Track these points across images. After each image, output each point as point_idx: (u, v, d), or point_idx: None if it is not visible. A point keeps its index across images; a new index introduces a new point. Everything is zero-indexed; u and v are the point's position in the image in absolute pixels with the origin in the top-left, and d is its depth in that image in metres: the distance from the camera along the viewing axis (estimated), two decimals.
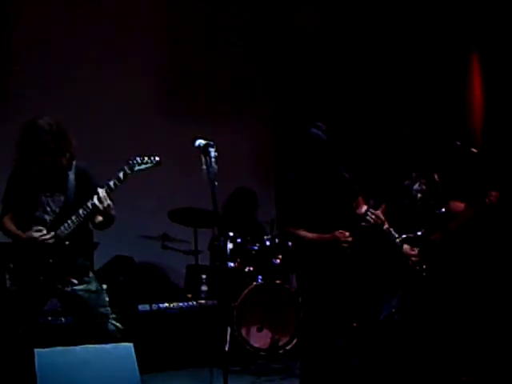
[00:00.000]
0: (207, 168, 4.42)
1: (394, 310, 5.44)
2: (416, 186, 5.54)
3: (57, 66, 7.75)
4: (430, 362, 5.30)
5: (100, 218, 4.83)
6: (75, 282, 4.81)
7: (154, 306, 6.89)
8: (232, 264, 7.02)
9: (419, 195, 5.53)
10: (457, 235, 5.58)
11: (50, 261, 4.75)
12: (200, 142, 4.50)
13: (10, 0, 7.73)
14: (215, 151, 4.44)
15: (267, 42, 8.61)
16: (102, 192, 4.67)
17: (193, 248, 7.34)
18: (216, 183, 4.39)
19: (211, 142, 4.48)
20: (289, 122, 8.43)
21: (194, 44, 8.33)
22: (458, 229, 5.53)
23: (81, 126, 7.18)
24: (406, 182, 5.58)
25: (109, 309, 4.95)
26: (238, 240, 7.08)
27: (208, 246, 7.51)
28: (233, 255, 7.03)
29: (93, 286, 4.89)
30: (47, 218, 4.81)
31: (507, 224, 6.36)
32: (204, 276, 7.22)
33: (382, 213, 5.50)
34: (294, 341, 6.72)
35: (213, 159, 4.42)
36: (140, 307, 6.85)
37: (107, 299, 5.02)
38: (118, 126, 7.84)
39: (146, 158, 4.80)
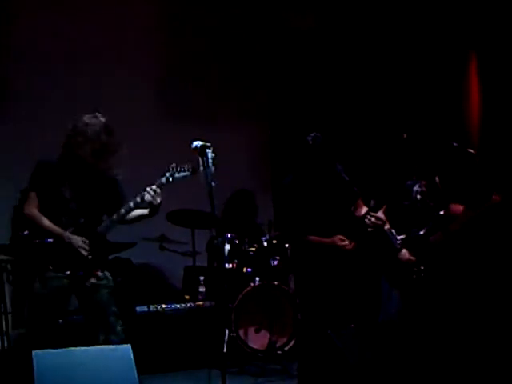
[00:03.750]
0: (204, 169, 4.45)
1: (393, 312, 5.44)
2: (416, 188, 5.55)
3: (56, 66, 7.76)
4: (430, 363, 5.31)
5: (144, 212, 5.01)
6: (100, 274, 4.87)
7: (152, 308, 6.89)
8: (230, 265, 7.02)
9: (419, 196, 5.53)
10: (457, 236, 5.58)
11: (90, 257, 4.83)
12: (197, 143, 4.53)
13: (11, 1, 7.74)
14: (212, 152, 4.46)
15: (265, 43, 8.62)
16: (155, 188, 4.85)
17: (190, 249, 7.35)
18: (213, 184, 4.41)
19: (208, 144, 4.51)
20: (287, 123, 8.45)
21: (192, 46, 8.35)
22: (458, 230, 5.52)
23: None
24: (408, 183, 5.58)
25: (117, 310, 4.97)
26: (236, 241, 7.08)
27: (206, 248, 7.51)
28: (230, 256, 7.03)
29: (111, 283, 4.93)
30: (80, 212, 4.86)
31: (507, 226, 6.36)
32: (202, 277, 7.22)
33: (383, 213, 5.50)
34: (292, 342, 6.72)
35: (210, 160, 4.45)
36: (138, 308, 6.85)
37: None
38: (117, 127, 7.82)
39: (185, 167, 4.89)
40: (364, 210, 5.47)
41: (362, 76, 7.88)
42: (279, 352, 6.74)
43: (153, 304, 6.93)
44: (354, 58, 7.95)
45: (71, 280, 4.81)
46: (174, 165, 4.90)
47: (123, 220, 4.97)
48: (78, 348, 4.45)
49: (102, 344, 4.71)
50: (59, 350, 4.35)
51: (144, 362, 4.67)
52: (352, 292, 5.60)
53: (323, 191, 5.50)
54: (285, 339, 6.78)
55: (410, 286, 5.41)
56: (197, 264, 7.36)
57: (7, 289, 6.73)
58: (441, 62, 7.21)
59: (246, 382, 6.31)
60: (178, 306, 7.02)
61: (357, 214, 5.56)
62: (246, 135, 8.52)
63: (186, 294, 7.30)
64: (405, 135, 5.44)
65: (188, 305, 7.05)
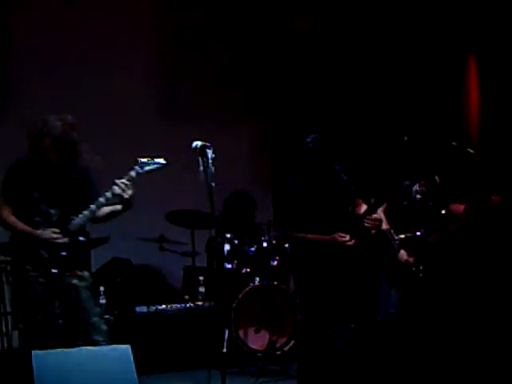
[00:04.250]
0: (204, 169, 4.44)
1: (393, 311, 5.44)
2: (416, 187, 5.54)
3: (56, 66, 7.77)
4: (429, 363, 5.31)
5: (118, 207, 4.96)
6: (80, 273, 4.86)
7: (152, 308, 6.88)
8: (229, 265, 7.01)
9: (418, 196, 5.53)
10: (457, 236, 5.57)
11: (64, 254, 4.80)
12: (197, 143, 4.53)
13: (11, 1, 7.75)
14: (212, 153, 4.46)
15: (265, 44, 8.62)
16: (124, 181, 4.81)
17: (190, 250, 7.35)
18: (213, 184, 4.41)
19: (208, 144, 4.51)
20: (286, 123, 8.45)
21: (192, 46, 8.36)
22: (458, 230, 5.52)
23: (79, 127, 7.20)
24: (406, 183, 5.58)
25: (101, 310, 4.97)
26: (235, 241, 7.08)
27: (205, 248, 7.51)
28: (230, 256, 7.03)
29: (90, 284, 4.93)
30: (52, 211, 4.86)
31: (506, 226, 6.36)
32: (201, 277, 7.22)
33: (383, 212, 5.49)
34: (292, 342, 6.72)
35: (210, 161, 4.45)
36: (137, 309, 6.85)
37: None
38: (117, 127, 7.86)
39: (154, 159, 4.95)
40: (363, 208, 5.47)
41: (362, 77, 7.88)
42: (279, 352, 6.74)
43: (152, 304, 6.92)
44: (353, 59, 7.95)
45: (47, 279, 4.80)
46: (145, 159, 4.92)
47: (96, 217, 4.94)
48: (77, 348, 4.47)
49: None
50: (59, 351, 4.36)
51: (143, 363, 4.67)
52: (351, 292, 5.60)
53: (322, 191, 5.51)
54: (284, 339, 6.77)
55: (408, 286, 5.41)
56: (196, 264, 7.37)
57: (7, 289, 6.73)
58: (440, 65, 7.21)
59: (246, 383, 6.30)
60: (178, 306, 7.01)
61: (356, 213, 5.56)
62: (246, 135, 8.52)
63: (186, 295, 7.29)
64: (406, 138, 5.44)
65: (188, 305, 7.04)
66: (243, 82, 8.57)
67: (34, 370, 4.09)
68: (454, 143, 5.41)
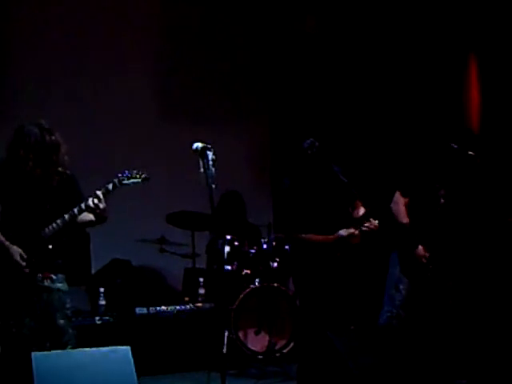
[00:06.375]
0: (205, 171, 4.43)
1: (394, 311, 5.46)
2: (442, 191, 5.57)
3: (56, 66, 7.76)
4: (430, 365, 5.30)
5: (91, 217, 4.87)
6: (54, 277, 4.83)
7: (152, 309, 6.88)
8: (229, 267, 7.00)
9: (442, 200, 5.56)
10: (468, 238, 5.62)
11: (33, 260, 4.78)
12: (198, 145, 4.51)
13: (10, 2, 7.74)
14: (213, 154, 4.45)
15: (267, 46, 8.62)
16: (98, 194, 4.72)
17: (190, 251, 7.35)
18: (213, 186, 4.40)
19: (209, 146, 4.50)
20: (287, 125, 8.44)
21: (192, 47, 8.35)
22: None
23: (80, 128, 7.24)
24: (435, 186, 5.61)
25: (69, 313, 4.94)
26: (236, 243, 7.07)
27: (205, 249, 7.51)
28: (230, 258, 7.02)
29: (64, 287, 4.90)
30: (30, 218, 4.81)
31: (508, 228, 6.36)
32: (201, 279, 7.22)
33: (405, 206, 5.51)
34: (292, 344, 6.71)
35: (210, 162, 4.44)
36: (137, 310, 6.84)
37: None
38: (117, 129, 7.85)
39: (134, 173, 4.85)
40: (362, 210, 5.47)
41: (363, 79, 7.89)
42: (278, 354, 6.73)
43: (152, 306, 6.92)
44: (354, 60, 7.96)
45: (17, 284, 4.77)
46: (126, 172, 4.84)
47: (72, 224, 4.85)
48: (77, 350, 4.46)
49: (48, 350, 4.65)
50: (59, 352, 4.36)
51: (143, 364, 4.66)
52: (352, 294, 5.59)
53: (321, 193, 5.50)
54: (284, 341, 6.76)
55: (416, 284, 5.44)
56: (196, 266, 7.36)
57: None
58: (441, 64, 7.22)
59: None
60: (178, 307, 7.00)
61: (355, 215, 5.57)
62: (246, 137, 8.51)
63: (186, 296, 7.28)
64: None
65: (188, 307, 7.03)
66: (244, 83, 8.56)
67: (34, 371, 4.08)
68: (454, 145, 5.41)
